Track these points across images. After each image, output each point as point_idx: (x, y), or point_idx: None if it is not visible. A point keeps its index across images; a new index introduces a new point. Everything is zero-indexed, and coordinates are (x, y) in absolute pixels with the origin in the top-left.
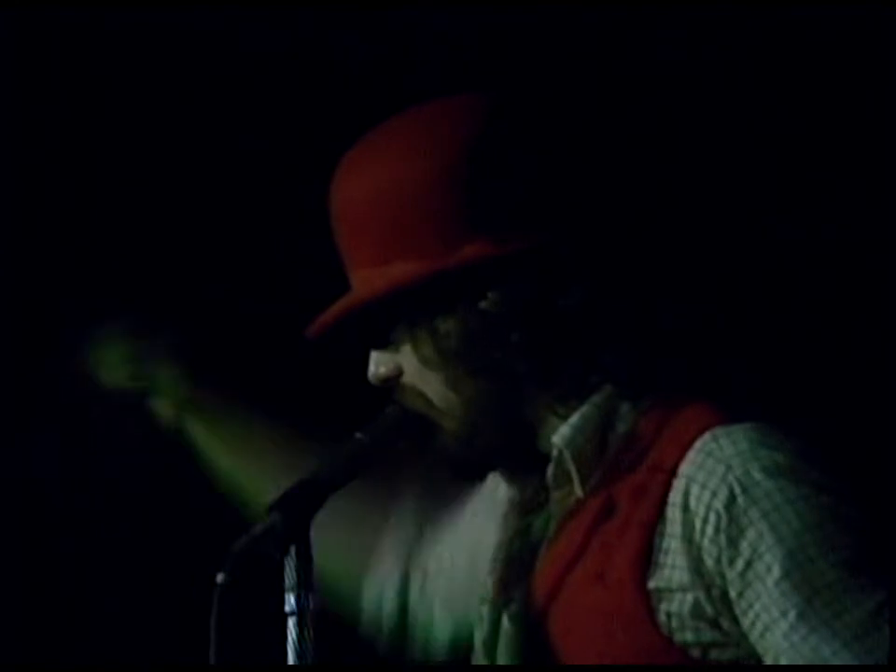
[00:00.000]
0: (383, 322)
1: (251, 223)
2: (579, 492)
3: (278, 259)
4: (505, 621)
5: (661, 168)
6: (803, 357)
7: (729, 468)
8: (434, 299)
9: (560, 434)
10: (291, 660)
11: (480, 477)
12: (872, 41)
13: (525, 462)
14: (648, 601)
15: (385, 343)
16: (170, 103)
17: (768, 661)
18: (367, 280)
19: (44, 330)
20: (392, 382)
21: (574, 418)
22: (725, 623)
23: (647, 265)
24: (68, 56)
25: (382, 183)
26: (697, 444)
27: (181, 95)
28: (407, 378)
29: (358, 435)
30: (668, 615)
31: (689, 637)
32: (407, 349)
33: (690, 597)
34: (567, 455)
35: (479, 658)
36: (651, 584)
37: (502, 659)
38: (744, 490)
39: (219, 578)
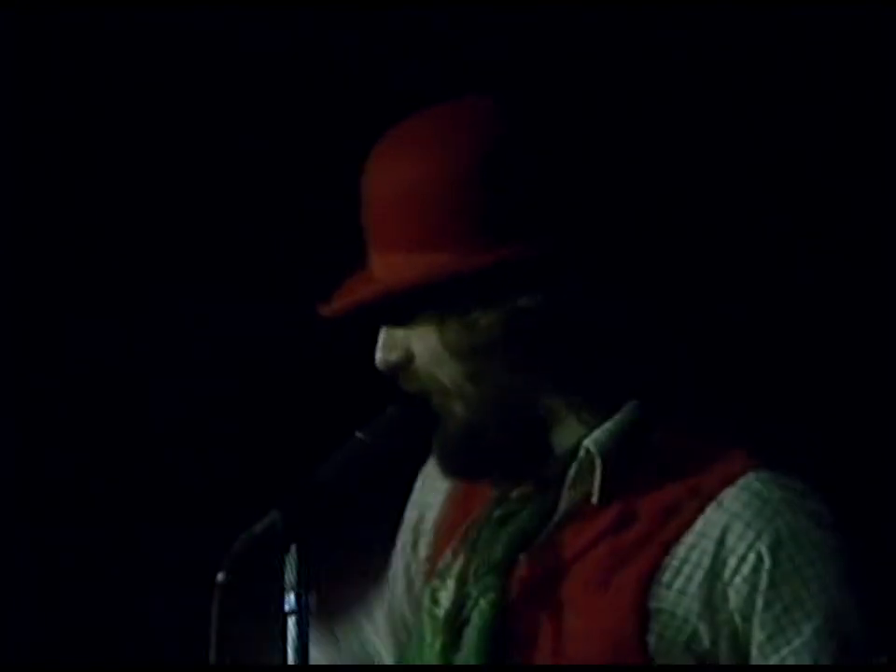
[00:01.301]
0: (405, 307)
1: (251, 223)
2: (595, 497)
3: (278, 259)
4: (483, 604)
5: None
6: (808, 372)
7: (777, 512)
8: (476, 292)
9: (593, 438)
10: (291, 660)
11: (476, 472)
12: (872, 41)
13: (525, 460)
14: (642, 619)
15: (399, 327)
16: (170, 103)
17: None
18: (399, 266)
19: (44, 330)
20: (400, 368)
21: (608, 424)
22: (720, 658)
23: (671, 274)
24: (68, 56)
25: (430, 169)
26: (741, 482)
27: (181, 95)
28: (422, 363)
29: (359, 434)
30: (660, 637)
31: (670, 656)
32: (429, 336)
33: (689, 627)
34: (597, 460)
35: (425, 635)
36: (652, 604)
37: (469, 641)
38: (792, 536)
39: (219, 577)
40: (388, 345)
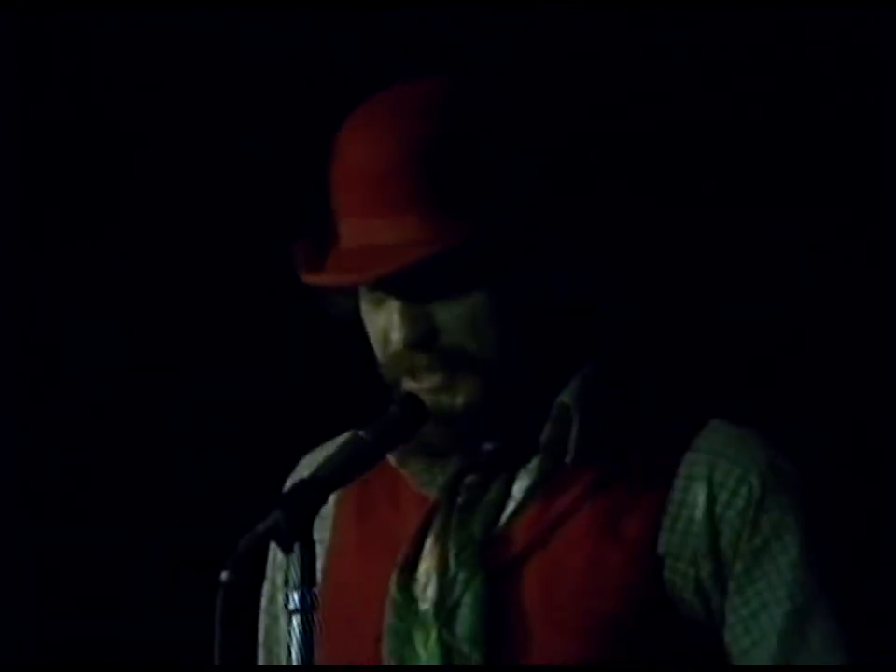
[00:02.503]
0: (453, 272)
1: (250, 223)
2: (570, 453)
3: (278, 259)
4: (475, 584)
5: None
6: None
7: (756, 451)
8: (522, 256)
9: (569, 391)
10: (295, 658)
11: (471, 449)
12: (872, 41)
13: (524, 436)
14: (654, 567)
15: (429, 299)
16: (170, 103)
17: (749, 639)
18: (444, 229)
19: (44, 330)
20: (422, 345)
21: (573, 383)
22: (714, 601)
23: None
24: (68, 56)
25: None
26: (712, 426)
27: (181, 95)
28: (453, 334)
29: (361, 433)
30: (672, 584)
31: (680, 608)
32: (469, 302)
33: (694, 570)
34: (574, 412)
35: (412, 633)
36: (661, 549)
37: (464, 621)
38: (774, 473)
39: (223, 576)
40: (411, 320)
